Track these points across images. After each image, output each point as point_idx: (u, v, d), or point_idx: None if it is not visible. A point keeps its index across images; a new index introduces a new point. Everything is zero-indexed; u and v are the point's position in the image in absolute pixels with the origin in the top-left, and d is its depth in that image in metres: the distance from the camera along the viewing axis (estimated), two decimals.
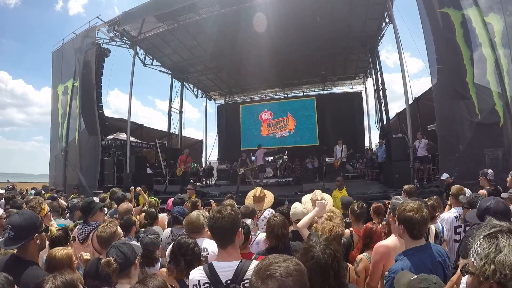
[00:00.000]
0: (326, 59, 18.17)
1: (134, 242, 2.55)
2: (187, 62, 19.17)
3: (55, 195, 6.56)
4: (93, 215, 3.86)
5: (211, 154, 24.46)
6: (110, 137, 16.93)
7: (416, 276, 1.72)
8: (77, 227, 3.75)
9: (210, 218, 2.21)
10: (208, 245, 3.03)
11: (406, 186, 5.37)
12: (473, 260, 1.31)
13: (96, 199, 7.62)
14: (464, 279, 1.61)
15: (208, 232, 3.29)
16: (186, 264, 2.51)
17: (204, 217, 3.19)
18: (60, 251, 2.56)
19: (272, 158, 17.39)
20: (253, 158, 15.73)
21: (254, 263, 2.06)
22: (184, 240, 2.66)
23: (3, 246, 2.37)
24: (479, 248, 1.30)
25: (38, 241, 2.45)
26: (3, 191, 10.45)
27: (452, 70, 9.39)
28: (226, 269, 2.09)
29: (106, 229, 2.81)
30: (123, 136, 17.40)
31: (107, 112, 16.93)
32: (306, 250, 1.94)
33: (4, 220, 4.09)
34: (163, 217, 5.48)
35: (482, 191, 4.83)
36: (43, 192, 8.90)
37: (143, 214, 5.48)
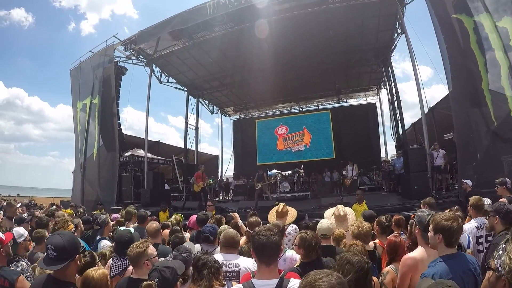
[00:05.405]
0: (339, 72, 18.27)
1: (176, 261, 2.55)
2: (202, 79, 19.42)
3: (90, 217, 6.59)
4: None
5: (227, 169, 24.55)
6: (127, 153, 17.17)
7: (433, 281, 1.77)
8: (110, 261, 3.53)
9: (261, 236, 2.15)
10: (241, 262, 3.12)
11: (427, 199, 5.45)
12: (494, 260, 1.57)
13: (117, 215, 7.70)
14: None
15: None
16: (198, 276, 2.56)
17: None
18: (97, 271, 2.52)
19: (289, 172, 17.36)
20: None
21: (292, 281, 2.06)
22: (199, 256, 2.72)
23: (44, 266, 2.34)
24: (500, 250, 1.56)
25: (78, 262, 2.44)
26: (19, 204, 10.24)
27: (467, 77, 9.28)
28: (266, 287, 2.08)
29: (137, 247, 2.77)
30: (140, 152, 17.63)
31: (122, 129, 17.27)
32: (341, 258, 2.19)
33: (29, 242, 4.05)
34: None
35: (503, 200, 4.75)
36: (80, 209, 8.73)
37: (165, 231, 5.55)
